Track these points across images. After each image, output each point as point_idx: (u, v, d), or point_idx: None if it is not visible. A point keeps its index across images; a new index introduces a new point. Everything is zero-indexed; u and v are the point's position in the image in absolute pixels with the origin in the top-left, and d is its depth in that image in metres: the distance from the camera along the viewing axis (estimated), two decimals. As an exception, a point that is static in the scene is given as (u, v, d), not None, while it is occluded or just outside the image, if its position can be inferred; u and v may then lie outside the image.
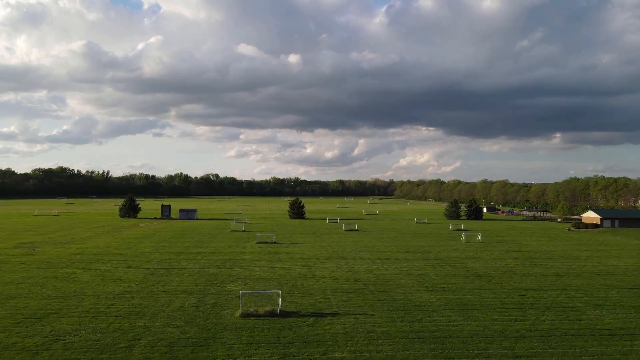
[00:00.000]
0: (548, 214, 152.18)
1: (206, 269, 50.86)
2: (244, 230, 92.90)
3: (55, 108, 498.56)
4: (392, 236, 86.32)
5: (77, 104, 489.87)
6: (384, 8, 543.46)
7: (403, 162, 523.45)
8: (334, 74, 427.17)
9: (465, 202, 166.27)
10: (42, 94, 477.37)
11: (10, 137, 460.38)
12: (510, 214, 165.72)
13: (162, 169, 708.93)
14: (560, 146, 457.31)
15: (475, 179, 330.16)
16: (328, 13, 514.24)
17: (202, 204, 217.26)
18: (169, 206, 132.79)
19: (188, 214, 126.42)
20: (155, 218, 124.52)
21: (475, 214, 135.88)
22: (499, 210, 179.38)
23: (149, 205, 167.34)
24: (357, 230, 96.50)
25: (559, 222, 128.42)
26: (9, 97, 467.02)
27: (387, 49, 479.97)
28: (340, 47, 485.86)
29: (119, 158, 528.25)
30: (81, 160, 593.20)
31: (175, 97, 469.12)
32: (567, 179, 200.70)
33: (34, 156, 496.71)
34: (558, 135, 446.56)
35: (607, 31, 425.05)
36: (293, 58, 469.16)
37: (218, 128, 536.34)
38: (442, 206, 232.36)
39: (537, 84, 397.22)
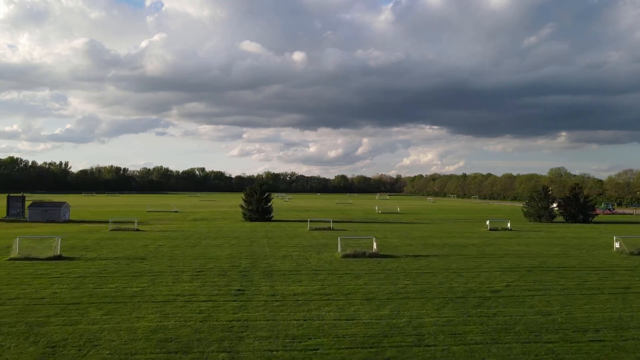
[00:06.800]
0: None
1: None
2: (52, 258, 32.74)
3: (58, 107, 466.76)
4: (511, 295, 25.58)
5: (79, 103, 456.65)
6: (390, 5, 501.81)
7: (406, 161, 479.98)
8: (339, 72, 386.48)
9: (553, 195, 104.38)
10: (44, 92, 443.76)
11: (13, 136, 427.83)
12: (609, 212, 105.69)
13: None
14: (565, 145, 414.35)
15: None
16: (333, 10, 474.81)
17: (164, 200, 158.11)
18: (22, 198, 72.71)
19: (46, 213, 66.34)
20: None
21: (582, 213, 75.68)
22: None
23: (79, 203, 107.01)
24: (375, 255, 35.93)
25: None
26: (12, 95, 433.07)
27: (393, 46, 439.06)
28: (346, 44, 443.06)
29: (122, 158, 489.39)
30: (84, 159, 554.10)
31: (178, 95, 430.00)
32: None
33: (37, 155, 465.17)
34: (563, 134, 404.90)
35: (617, 28, 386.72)
36: (297, 56, 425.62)
37: (221, 127, 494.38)
38: (472, 203, 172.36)
39: (544, 82, 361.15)
